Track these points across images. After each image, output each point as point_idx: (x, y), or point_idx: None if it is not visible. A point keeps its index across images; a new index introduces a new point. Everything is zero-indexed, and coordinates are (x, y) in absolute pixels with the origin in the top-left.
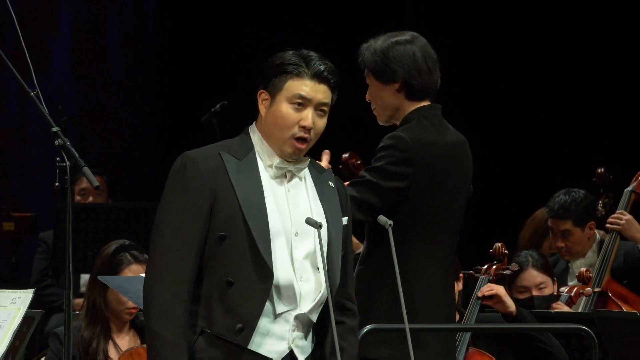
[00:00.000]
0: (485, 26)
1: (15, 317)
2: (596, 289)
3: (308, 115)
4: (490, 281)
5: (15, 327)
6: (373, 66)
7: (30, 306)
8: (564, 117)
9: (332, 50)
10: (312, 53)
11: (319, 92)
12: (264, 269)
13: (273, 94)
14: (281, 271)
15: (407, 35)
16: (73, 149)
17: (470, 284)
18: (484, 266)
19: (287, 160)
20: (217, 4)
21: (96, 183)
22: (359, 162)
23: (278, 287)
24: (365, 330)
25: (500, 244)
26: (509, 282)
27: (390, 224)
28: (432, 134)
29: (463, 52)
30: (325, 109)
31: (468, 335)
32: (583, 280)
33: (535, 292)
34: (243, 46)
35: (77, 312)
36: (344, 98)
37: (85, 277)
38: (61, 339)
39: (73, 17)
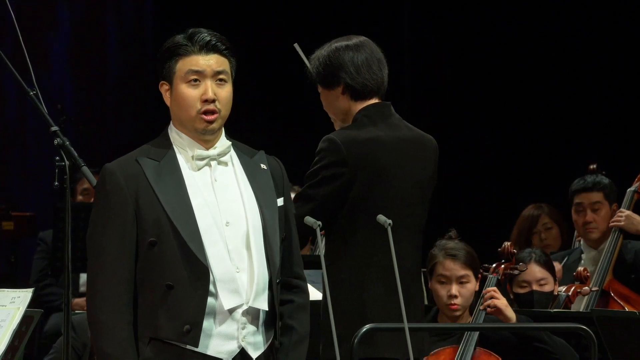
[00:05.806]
0: (479, 21)
1: (15, 317)
2: (594, 288)
3: (207, 88)
4: (498, 280)
5: (14, 327)
6: (318, 75)
7: (30, 305)
8: (558, 115)
9: None
10: (199, 29)
11: (211, 61)
12: (200, 267)
13: (170, 80)
14: (219, 266)
15: (348, 41)
16: (72, 149)
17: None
18: (492, 265)
19: (206, 146)
20: (215, 4)
21: (95, 182)
22: None
23: (219, 283)
24: (363, 330)
25: (508, 243)
26: (511, 277)
27: (389, 223)
28: (369, 131)
29: (457, 50)
30: (223, 77)
31: (475, 336)
32: (580, 279)
33: (535, 287)
34: (240, 46)
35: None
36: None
37: (84, 277)
38: (75, 327)
39: (72, 17)
